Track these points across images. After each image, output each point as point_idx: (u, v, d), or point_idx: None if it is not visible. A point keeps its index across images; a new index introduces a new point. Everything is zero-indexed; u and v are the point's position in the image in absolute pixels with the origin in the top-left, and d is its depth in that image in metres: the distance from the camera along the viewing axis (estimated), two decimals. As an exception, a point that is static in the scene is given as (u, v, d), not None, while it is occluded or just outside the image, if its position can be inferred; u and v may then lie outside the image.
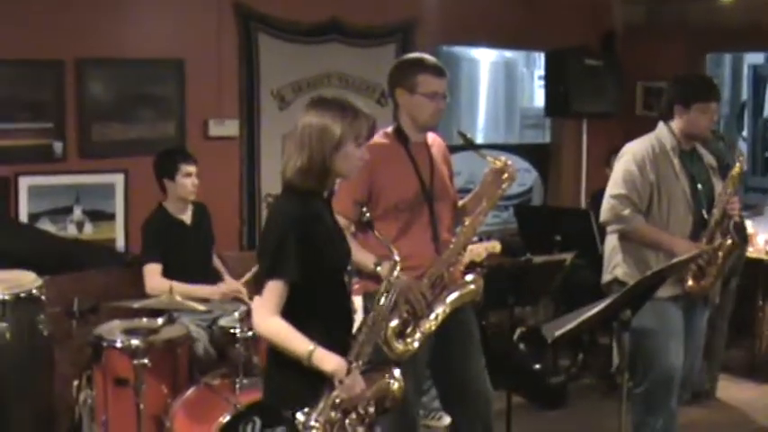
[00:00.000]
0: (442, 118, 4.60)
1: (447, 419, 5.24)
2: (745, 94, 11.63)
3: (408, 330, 4.21)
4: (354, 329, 3.60)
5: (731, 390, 6.98)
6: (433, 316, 4.25)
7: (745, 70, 11.64)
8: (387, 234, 3.91)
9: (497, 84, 9.86)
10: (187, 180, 5.59)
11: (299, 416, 3.32)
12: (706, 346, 6.48)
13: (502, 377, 5.27)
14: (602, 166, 6.98)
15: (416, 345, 4.20)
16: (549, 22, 8.35)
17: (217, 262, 5.95)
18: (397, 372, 3.59)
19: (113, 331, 5.05)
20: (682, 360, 4.95)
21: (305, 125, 3.42)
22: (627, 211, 4.87)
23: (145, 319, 5.18)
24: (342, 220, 4.09)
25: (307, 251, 3.35)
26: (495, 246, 6.09)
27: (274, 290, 3.36)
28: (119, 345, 4.90)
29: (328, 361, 3.33)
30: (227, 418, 4.67)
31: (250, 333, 4.88)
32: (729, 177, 4.97)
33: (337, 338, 3.43)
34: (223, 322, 5.25)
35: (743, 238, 6.72)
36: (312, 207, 3.44)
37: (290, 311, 3.37)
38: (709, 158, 5.16)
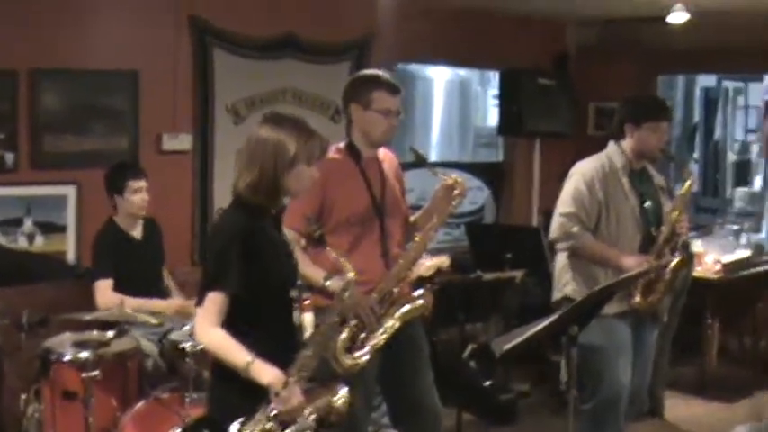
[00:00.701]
0: (395, 135, 4.60)
1: (396, 435, 5.24)
2: (696, 116, 11.76)
3: (357, 345, 4.22)
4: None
5: (679, 407, 7.02)
6: (381, 331, 4.26)
7: (697, 93, 11.78)
8: (337, 248, 3.89)
9: (452, 102, 9.90)
10: (136, 197, 5.55)
11: (233, 427, 3.32)
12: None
13: (452, 394, 5.29)
14: (555, 185, 7.02)
15: (365, 359, 4.21)
16: (504, 41, 8.41)
17: (167, 279, 5.91)
18: (343, 388, 3.58)
19: (63, 344, 4.99)
20: (629, 377, 4.99)
21: (259, 140, 3.42)
22: (575, 229, 4.91)
23: (95, 332, 5.11)
24: (292, 235, 4.13)
25: (250, 264, 3.35)
26: (444, 261, 6.14)
27: (215, 301, 3.36)
28: (68, 358, 4.85)
29: (265, 373, 3.32)
30: (177, 431, 4.64)
31: (200, 347, 4.83)
32: (678, 196, 5.02)
33: (280, 352, 3.41)
34: (174, 336, 5.17)
35: (688, 257, 6.80)
36: (258, 221, 3.44)
37: (233, 324, 3.37)
38: (658, 178, 5.22)
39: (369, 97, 4.40)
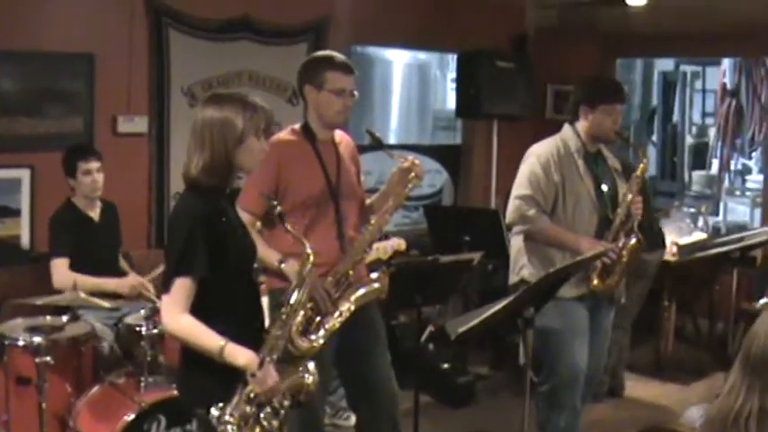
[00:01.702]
0: (350, 115, 4.61)
1: (354, 418, 5.24)
2: (655, 99, 11.82)
3: (313, 328, 4.22)
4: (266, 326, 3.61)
5: (637, 388, 7.09)
6: (337, 314, 4.26)
7: (656, 76, 11.83)
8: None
9: (410, 85, 9.88)
10: (87, 178, 5.54)
11: (214, 411, 3.32)
12: (611, 346, 6.63)
13: (410, 376, 5.29)
14: (513, 167, 7.04)
15: (321, 342, 4.21)
16: (462, 24, 8.40)
17: (123, 263, 5.89)
18: (311, 365, 3.59)
19: (16, 329, 4.94)
20: (586, 359, 5.01)
21: (205, 121, 3.42)
22: (532, 212, 4.91)
23: (49, 317, 5.09)
24: (247, 217, 4.13)
25: (214, 247, 3.35)
26: (401, 244, 6.14)
27: (182, 287, 3.34)
28: (21, 343, 4.80)
29: (240, 355, 3.32)
30: (132, 416, 4.64)
31: (156, 331, 4.86)
32: (633, 178, 5.03)
33: (249, 334, 3.43)
34: (129, 320, 5.16)
35: (658, 243, 6.82)
36: (216, 204, 3.44)
37: (200, 308, 3.37)
38: (613, 161, 5.24)
39: (322, 78, 4.40)
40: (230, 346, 3.31)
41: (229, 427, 3.30)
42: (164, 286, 3.43)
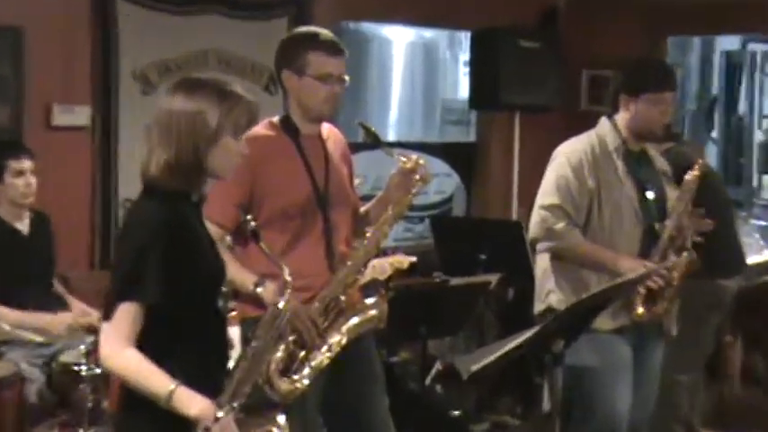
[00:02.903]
0: (340, 106, 4.63)
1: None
2: (716, 86, 11.87)
3: (296, 366, 4.23)
4: (231, 364, 3.58)
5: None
6: (325, 348, 4.26)
7: (717, 58, 11.88)
8: (272, 247, 3.91)
9: (414, 70, 9.93)
10: (19, 180, 5.56)
11: None
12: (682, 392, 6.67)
13: (413, 425, 5.34)
14: (539, 171, 7.09)
15: (305, 383, 4.22)
16: (478, -5, 8.47)
17: (59, 286, 5.89)
18: (281, 418, 3.59)
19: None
20: (629, 405, 5.05)
21: (173, 111, 3.39)
22: (560, 225, 4.95)
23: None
24: (215, 230, 4.08)
25: (173, 266, 3.31)
26: (403, 261, 6.14)
27: (127, 315, 3.29)
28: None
29: (192, 403, 3.26)
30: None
31: (99, 371, 4.83)
32: (685, 183, 5.10)
33: (208, 376, 3.40)
34: (65, 358, 5.16)
35: (737, 266, 6.85)
36: (179, 212, 3.41)
37: (148, 341, 3.32)
38: (662, 162, 5.29)
39: (304, 60, 4.41)
40: (181, 390, 3.25)
41: None
42: (105, 312, 3.35)
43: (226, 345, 3.66)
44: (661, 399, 5.48)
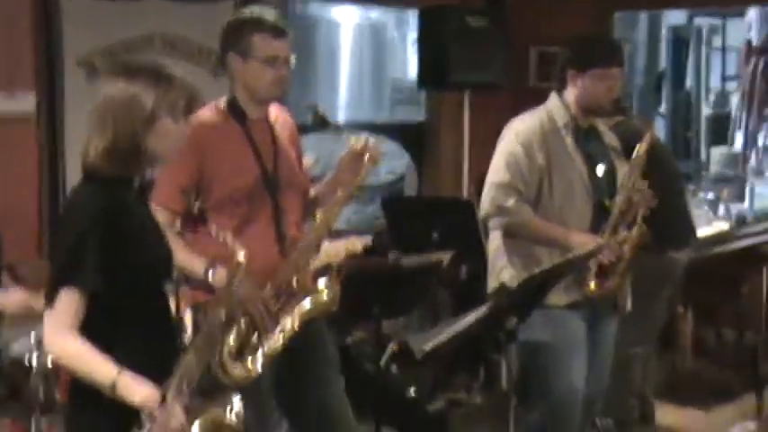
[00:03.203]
0: (287, 88, 4.61)
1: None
2: (663, 61, 11.94)
3: (248, 350, 4.24)
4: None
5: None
6: (278, 331, 4.28)
7: (664, 33, 11.95)
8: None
9: (362, 50, 9.93)
10: None
11: None
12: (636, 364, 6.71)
13: (369, 406, 5.35)
14: (490, 148, 7.11)
15: (258, 367, 4.24)
16: (424, -28, 8.46)
17: (4, 277, 5.85)
18: (236, 400, 3.56)
19: None
20: (584, 380, 5.09)
21: (109, 96, 3.40)
22: (511, 202, 4.95)
23: None
24: (164, 215, 4.13)
25: (112, 253, 3.30)
26: (356, 244, 6.18)
27: (68, 302, 3.29)
28: None
29: (136, 390, 3.27)
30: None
31: (49, 361, 4.80)
32: (634, 157, 5.11)
33: (155, 363, 3.37)
34: (15, 349, 5.13)
35: (687, 238, 6.86)
36: (120, 197, 3.40)
37: (92, 329, 3.31)
38: (611, 137, 5.31)
39: (248, 43, 4.41)
40: (125, 377, 3.25)
41: None
42: (47, 299, 3.35)
43: (173, 330, 3.67)
44: (615, 372, 5.51)
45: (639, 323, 6.13)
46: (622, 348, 6.00)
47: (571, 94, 5.08)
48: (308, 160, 4.96)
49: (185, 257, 4.25)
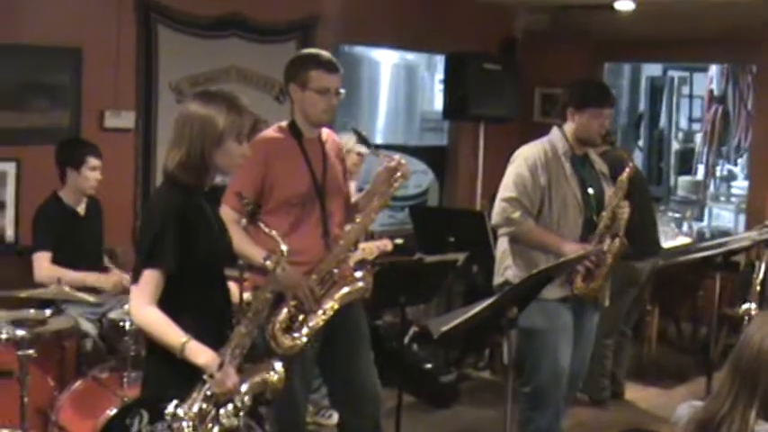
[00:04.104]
0: (336, 115, 4.60)
1: (336, 417, 5.24)
2: (642, 104, 11.86)
3: (296, 326, 4.23)
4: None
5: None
6: (321, 312, 4.27)
7: (643, 81, 11.88)
8: (278, 229, 3.82)
9: (398, 86, 9.88)
10: (93, 174, 5.52)
11: (170, 407, 3.28)
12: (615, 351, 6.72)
13: (393, 376, 5.31)
14: (499, 169, 7.05)
15: (304, 340, 4.22)
16: (451, 25, 8.44)
17: (106, 260, 5.86)
18: (277, 364, 3.53)
19: (-1, 322, 4.92)
20: (569, 360, 5.03)
21: (187, 116, 3.39)
22: (517, 214, 4.90)
23: (32, 311, 5.02)
24: (232, 214, 4.15)
25: (185, 243, 3.33)
26: (387, 244, 6.15)
27: (150, 279, 3.32)
28: (3, 336, 4.72)
29: (201, 354, 3.28)
30: (114, 411, 4.59)
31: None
32: (619, 182, 5.05)
33: (211, 332, 3.39)
34: (113, 315, 5.12)
35: (651, 251, 6.78)
36: (192, 198, 3.42)
37: (168, 302, 3.34)
38: (600, 164, 5.25)
39: (306, 76, 4.39)
40: (192, 343, 3.27)
41: (184, 423, 3.26)
42: (134, 277, 3.40)
43: (228, 305, 3.65)
44: (591, 359, 5.44)
45: (606, 318, 6.10)
46: (597, 339, 5.97)
47: (570, 127, 5.03)
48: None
49: (247, 248, 4.24)
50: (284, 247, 3.58)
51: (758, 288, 6.63)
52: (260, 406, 4.19)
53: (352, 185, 5.93)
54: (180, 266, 3.32)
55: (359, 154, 6.39)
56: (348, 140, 6.26)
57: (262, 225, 3.65)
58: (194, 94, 3.54)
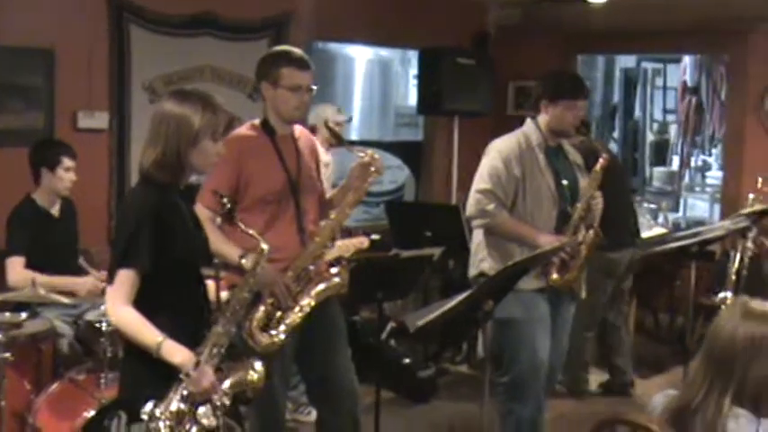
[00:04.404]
0: (307, 111, 4.62)
1: (315, 413, 5.22)
2: (616, 96, 11.90)
3: (273, 323, 4.22)
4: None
5: (597, 382, 7.13)
6: (298, 309, 4.25)
7: (617, 73, 11.92)
8: (253, 227, 3.83)
9: (372, 82, 9.88)
10: (67, 174, 5.48)
11: (146, 407, 3.28)
12: (615, 345, 6.83)
13: (371, 371, 5.30)
14: (474, 163, 7.05)
15: (282, 337, 4.21)
16: (424, 21, 8.44)
17: (82, 261, 5.82)
18: (257, 363, 3.54)
19: (-27, 325, 4.88)
20: (548, 351, 5.03)
21: (163, 115, 3.40)
22: (491, 206, 4.91)
23: (8, 314, 4.98)
24: (205, 213, 4.12)
25: (160, 241, 3.32)
26: (364, 241, 6.15)
27: (126, 279, 3.32)
28: (-22, 339, 4.75)
29: (176, 353, 3.29)
30: (92, 413, 4.59)
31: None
32: (593, 173, 5.06)
33: (188, 331, 3.39)
34: (89, 316, 5.12)
35: (628, 242, 6.80)
36: (167, 196, 3.41)
37: (144, 301, 3.34)
38: (575, 155, 5.26)
39: (278, 74, 4.37)
40: (168, 343, 3.28)
41: (161, 423, 3.27)
42: (109, 277, 3.39)
43: (205, 304, 3.63)
44: (570, 350, 5.46)
45: (584, 311, 6.13)
46: (577, 332, 6.11)
47: (543, 119, 5.04)
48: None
49: (224, 247, 4.22)
50: (264, 246, 3.59)
51: (733, 277, 6.71)
52: (240, 405, 4.17)
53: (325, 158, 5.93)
54: (155, 265, 3.31)
55: (338, 124, 6.42)
56: (326, 110, 6.27)
57: (241, 225, 3.65)
58: (169, 92, 3.57)
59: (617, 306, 7.01)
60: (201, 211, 4.05)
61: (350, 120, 6.87)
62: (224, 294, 4.65)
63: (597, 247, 5.09)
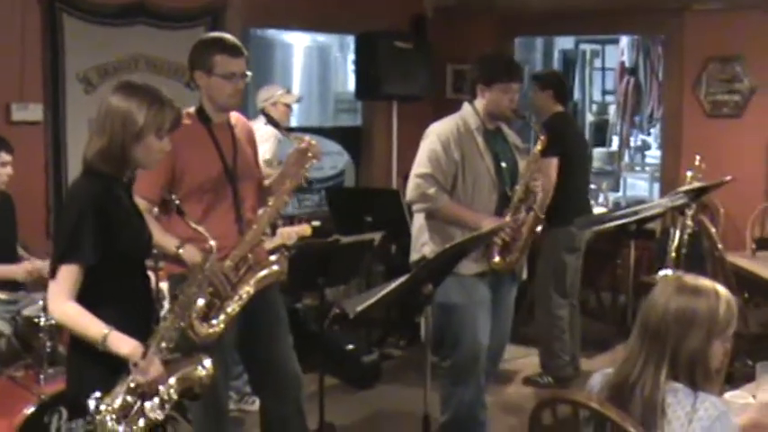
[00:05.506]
0: (242, 98, 4.58)
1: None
2: (555, 78, 11.95)
3: (212, 312, 4.18)
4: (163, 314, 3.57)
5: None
6: (237, 297, 4.23)
7: (556, 55, 11.99)
8: (190, 216, 3.81)
9: (311, 68, 9.87)
10: (3, 169, 5.43)
11: (90, 401, 3.24)
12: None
13: (315, 359, 5.30)
14: (414, 148, 7.06)
15: (221, 327, 4.17)
16: (361, 5, 8.40)
17: (22, 253, 5.74)
18: (207, 360, 3.53)
19: None
20: (489, 335, 5.06)
21: (108, 109, 3.37)
22: (432, 190, 4.92)
23: (-58, 314, 4.98)
24: (143, 203, 4.06)
25: (104, 234, 3.29)
26: (306, 229, 6.14)
27: (68, 275, 3.29)
28: None
29: (123, 344, 3.27)
30: (32, 409, 4.52)
31: (54, 321, 4.73)
32: (532, 155, 5.09)
33: (135, 324, 3.37)
34: (27, 312, 5.05)
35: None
36: (111, 189, 3.38)
37: (88, 296, 3.31)
38: (514, 138, 5.29)
39: (211, 62, 4.35)
40: (114, 334, 3.26)
41: (107, 417, 3.24)
42: (51, 272, 3.36)
43: (152, 299, 3.67)
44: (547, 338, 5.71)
45: (558, 284, 6.43)
46: (549, 312, 6.45)
47: (480, 103, 5.06)
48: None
49: (161, 237, 4.18)
50: (212, 243, 3.59)
51: (674, 254, 6.76)
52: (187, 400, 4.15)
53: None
54: (99, 259, 3.29)
55: (286, 105, 6.40)
56: (274, 91, 6.24)
57: (192, 224, 3.66)
58: (118, 85, 3.49)
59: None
60: (138, 202, 3.99)
61: (299, 100, 6.82)
62: (163, 285, 4.66)
63: (561, 223, 5.11)
